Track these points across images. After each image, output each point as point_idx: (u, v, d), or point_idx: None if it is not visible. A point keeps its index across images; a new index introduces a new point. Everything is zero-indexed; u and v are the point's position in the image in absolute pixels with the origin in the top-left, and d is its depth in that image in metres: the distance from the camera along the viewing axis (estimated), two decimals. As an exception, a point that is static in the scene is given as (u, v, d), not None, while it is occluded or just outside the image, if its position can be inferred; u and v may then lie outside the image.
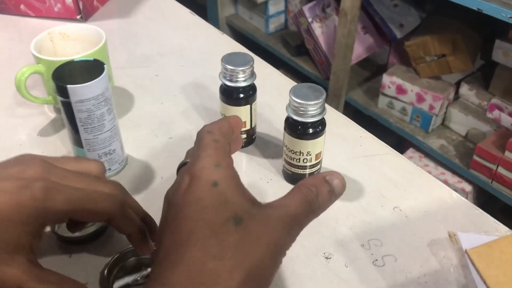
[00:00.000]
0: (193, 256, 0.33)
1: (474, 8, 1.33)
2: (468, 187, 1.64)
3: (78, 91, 0.57)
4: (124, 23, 1.01)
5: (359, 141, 0.72)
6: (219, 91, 0.66)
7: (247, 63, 0.63)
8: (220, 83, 0.65)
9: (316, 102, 0.56)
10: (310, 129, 0.59)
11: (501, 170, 1.49)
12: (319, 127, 0.59)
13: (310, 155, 0.60)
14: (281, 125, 0.62)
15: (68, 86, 0.56)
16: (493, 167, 1.51)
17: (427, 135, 1.71)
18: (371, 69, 1.98)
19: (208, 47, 0.93)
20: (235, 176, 0.38)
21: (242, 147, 0.70)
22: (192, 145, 0.67)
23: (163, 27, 0.99)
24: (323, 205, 0.39)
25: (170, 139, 0.71)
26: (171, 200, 0.38)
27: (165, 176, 0.65)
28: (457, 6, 1.39)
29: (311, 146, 0.60)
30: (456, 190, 1.65)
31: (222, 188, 0.36)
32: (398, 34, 1.78)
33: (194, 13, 1.03)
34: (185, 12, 1.04)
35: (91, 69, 0.60)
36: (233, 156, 0.44)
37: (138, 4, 1.06)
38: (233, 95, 0.65)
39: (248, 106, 0.66)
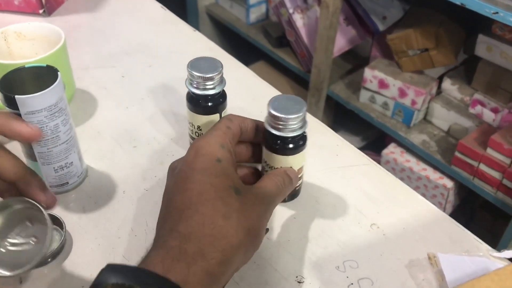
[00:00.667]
0: (205, 213, 0.41)
1: (457, 2, 1.30)
2: (449, 183, 1.62)
3: (28, 101, 0.52)
4: (90, 18, 0.95)
5: (335, 150, 0.68)
6: (186, 99, 0.61)
7: (216, 69, 0.58)
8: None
9: (297, 115, 0.52)
10: (291, 144, 0.54)
11: (482, 167, 1.47)
12: (300, 141, 0.55)
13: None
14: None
15: (17, 96, 0.51)
16: (475, 163, 1.49)
17: (409, 130, 1.69)
18: (353, 62, 1.94)
19: (179, 45, 0.88)
20: (233, 160, 0.48)
21: None
22: (157, 154, 0.61)
23: (131, 23, 0.94)
24: (287, 190, 0.52)
25: (134, 148, 0.67)
26: (178, 167, 0.46)
27: (127, 190, 0.61)
28: None
29: (292, 162, 0.55)
30: (437, 187, 1.64)
31: (224, 164, 0.45)
32: (381, 27, 1.74)
33: (165, 8, 0.97)
34: (156, 6, 0.98)
35: (44, 76, 0.55)
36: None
37: (106, -3, 1.01)
38: (201, 104, 0.60)
39: (218, 114, 0.61)
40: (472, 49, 1.55)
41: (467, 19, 1.61)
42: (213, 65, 0.58)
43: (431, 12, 1.63)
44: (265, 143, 0.56)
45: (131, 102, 0.74)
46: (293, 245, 0.55)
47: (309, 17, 1.82)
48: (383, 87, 1.70)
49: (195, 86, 0.59)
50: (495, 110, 1.55)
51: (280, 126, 0.52)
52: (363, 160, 0.66)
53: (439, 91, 1.69)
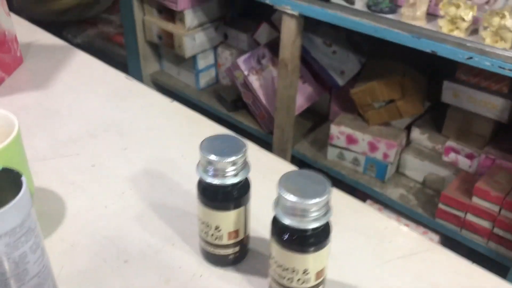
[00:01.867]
0: None
1: (428, 50, 1.25)
2: (435, 237, 1.52)
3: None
4: (40, 97, 0.79)
5: (385, 235, 0.55)
6: (197, 190, 0.47)
7: (238, 150, 0.45)
8: (193, 176, 0.46)
9: (320, 200, 0.39)
10: (311, 239, 0.41)
11: (470, 217, 1.39)
12: (323, 234, 0.41)
13: (307, 274, 0.43)
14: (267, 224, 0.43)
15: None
16: (461, 214, 1.41)
17: (384, 185, 1.60)
18: (314, 119, 1.87)
19: (155, 120, 0.74)
20: None
21: (230, 264, 0.50)
22: (159, 269, 0.45)
23: (92, 99, 0.79)
24: None
25: (125, 263, 0.51)
26: None
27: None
28: (397, 47, 1.31)
29: (311, 262, 0.42)
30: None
31: None
32: (340, 82, 1.69)
33: (130, 77, 0.83)
34: (119, 77, 0.84)
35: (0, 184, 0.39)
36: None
37: (55, 70, 0.85)
38: (219, 196, 0.46)
39: (242, 208, 0.47)
40: (436, 96, 1.51)
41: (428, 66, 1.58)
42: (234, 145, 0.45)
43: (390, 63, 1.59)
44: (274, 235, 0.42)
45: (110, 198, 0.59)
46: None
47: (265, 77, 1.74)
48: (351, 143, 1.61)
49: (211, 174, 0.44)
50: (470, 156, 1.49)
51: (298, 216, 0.39)
52: (426, 245, 0.54)
53: (408, 141, 1.63)
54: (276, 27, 1.79)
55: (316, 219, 0.40)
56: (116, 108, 0.76)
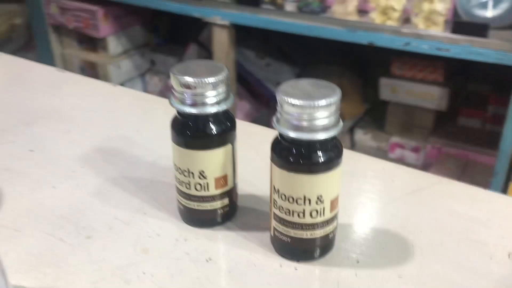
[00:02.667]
0: None
1: (365, 42, 1.25)
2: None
3: None
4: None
5: (385, 176, 0.49)
6: (171, 128, 0.39)
7: (218, 72, 0.37)
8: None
9: (330, 101, 0.33)
10: (321, 154, 0.34)
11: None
12: (333, 150, 0.35)
13: (322, 201, 0.36)
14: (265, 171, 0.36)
15: None
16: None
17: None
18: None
19: (101, 104, 0.65)
20: None
21: (219, 222, 0.42)
22: (133, 240, 0.36)
23: (22, 91, 0.68)
24: None
25: (88, 239, 0.41)
26: None
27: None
28: (330, 51, 1.31)
29: (323, 185, 0.35)
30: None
31: None
32: (278, 92, 1.65)
33: (63, 70, 0.74)
34: (49, 70, 0.74)
35: None
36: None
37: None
38: (201, 130, 0.38)
39: (229, 147, 0.39)
40: (374, 96, 1.51)
41: (362, 68, 1.59)
42: (212, 67, 0.38)
43: (326, 68, 1.58)
44: (278, 160, 0.35)
45: (57, 178, 0.49)
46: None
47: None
48: (297, 152, 1.57)
49: (189, 102, 0.37)
50: (416, 150, 1.49)
51: (304, 123, 0.33)
52: (431, 179, 0.48)
53: (352, 144, 1.61)
54: (205, 46, 1.75)
55: (326, 129, 0.34)
56: (53, 97, 0.66)
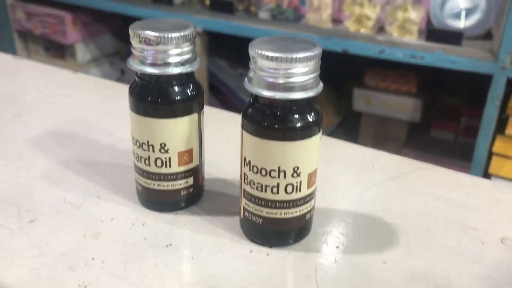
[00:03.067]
0: None
1: (339, 50, 1.23)
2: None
3: None
4: None
5: (365, 162, 0.45)
6: (129, 95, 0.34)
7: (184, 28, 0.33)
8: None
9: (308, 54, 0.29)
10: (298, 118, 0.30)
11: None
12: (312, 115, 0.31)
13: (298, 174, 0.32)
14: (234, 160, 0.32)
15: None
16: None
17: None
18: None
19: (56, 89, 0.60)
20: None
21: (182, 205, 0.37)
22: (83, 222, 0.34)
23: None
24: None
25: (31, 222, 0.36)
26: None
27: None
28: None
29: (300, 155, 0.31)
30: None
31: None
32: (251, 103, 1.62)
33: (20, 57, 0.68)
34: (4, 57, 0.69)
35: None
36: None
37: None
38: (162, 95, 0.34)
39: (195, 116, 0.35)
40: (346, 106, 1.50)
41: (335, 79, 1.58)
42: (178, 24, 0.34)
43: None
44: (246, 124, 0.31)
45: (4, 160, 0.43)
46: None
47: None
48: (270, 164, 1.53)
49: (150, 61, 0.33)
50: (389, 162, 1.47)
51: (280, 81, 0.29)
52: (414, 164, 0.45)
53: (326, 157, 1.59)
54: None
55: (304, 88, 0.30)
56: (6, 82, 0.61)
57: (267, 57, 0.29)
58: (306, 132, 0.31)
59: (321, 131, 0.32)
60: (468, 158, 1.22)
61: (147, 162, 0.35)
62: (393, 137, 1.47)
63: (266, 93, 0.30)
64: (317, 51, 0.30)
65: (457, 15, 1.21)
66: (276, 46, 0.30)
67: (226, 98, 1.66)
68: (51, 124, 0.50)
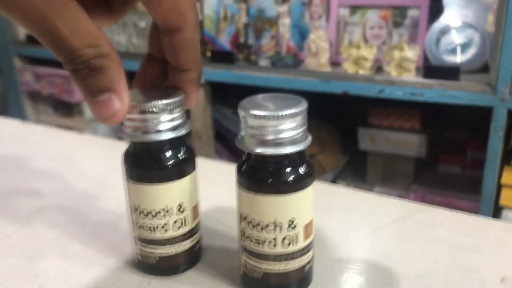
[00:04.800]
0: None
1: (339, 92, 1.25)
2: None
3: None
4: None
5: (365, 207, 0.46)
6: (123, 162, 0.36)
7: (174, 95, 0.35)
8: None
9: (294, 111, 0.30)
10: (290, 171, 0.32)
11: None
12: (304, 167, 0.32)
13: (294, 227, 0.33)
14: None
15: None
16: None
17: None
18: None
19: (64, 152, 0.62)
20: None
21: (183, 270, 0.38)
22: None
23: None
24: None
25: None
26: None
27: None
28: (308, 104, 1.31)
29: (294, 207, 0.32)
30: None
31: None
32: (257, 148, 1.64)
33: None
34: (13, 124, 0.71)
35: None
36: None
37: None
38: (155, 161, 0.35)
39: (187, 178, 0.36)
40: (353, 147, 1.51)
41: (340, 119, 1.60)
42: (168, 91, 0.35)
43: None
44: (240, 180, 0.33)
45: (14, 228, 0.45)
46: None
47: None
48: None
49: (143, 129, 0.34)
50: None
51: (270, 137, 0.31)
52: (413, 207, 0.45)
53: (335, 197, 1.58)
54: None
55: (293, 142, 0.31)
56: (13, 146, 0.63)
57: (255, 116, 0.31)
58: (298, 184, 0.32)
59: (313, 183, 0.33)
60: (477, 191, 1.22)
61: (165, 228, 0.36)
62: (401, 174, 1.47)
63: (257, 150, 0.31)
64: (303, 107, 0.32)
65: (453, 51, 1.24)
66: (264, 105, 0.32)
67: (232, 146, 1.68)
68: (57, 190, 0.52)
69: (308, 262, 0.35)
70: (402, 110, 1.41)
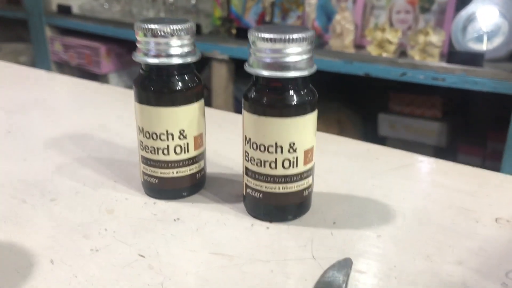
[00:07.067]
0: None
1: (361, 73, 1.25)
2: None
3: None
4: None
5: (369, 155, 0.47)
6: (134, 86, 0.38)
7: (184, 22, 0.37)
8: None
9: (301, 35, 0.32)
10: (293, 95, 0.33)
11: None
12: (307, 94, 0.34)
13: (294, 150, 0.34)
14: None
15: None
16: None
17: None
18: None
19: (85, 98, 0.64)
20: None
21: (186, 195, 0.40)
22: (99, 202, 0.35)
23: (3, 90, 0.68)
24: None
25: (52, 201, 0.39)
26: None
27: (57, 258, 0.32)
28: (329, 86, 1.31)
29: (295, 131, 0.34)
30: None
31: None
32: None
33: (51, 71, 0.74)
34: (38, 73, 0.74)
35: None
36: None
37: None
38: (166, 84, 0.37)
39: (202, 101, 0.38)
40: (372, 132, 1.50)
41: (360, 104, 1.59)
42: (178, 20, 0.37)
43: (323, 103, 1.58)
44: (246, 103, 0.34)
45: (31, 153, 0.47)
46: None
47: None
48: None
49: (153, 53, 0.36)
50: (415, 187, 1.46)
51: (276, 60, 0.32)
52: (417, 157, 0.46)
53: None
54: (205, 85, 1.77)
55: (299, 67, 0.33)
56: (36, 90, 0.66)
57: (264, 39, 0.32)
58: (300, 109, 0.33)
59: (315, 110, 0.35)
60: (495, 181, 1.21)
61: (165, 152, 0.37)
62: (418, 162, 1.46)
63: (264, 73, 0.33)
64: (309, 33, 0.33)
65: (479, 39, 1.23)
66: (273, 30, 0.33)
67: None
68: (74, 127, 0.54)
69: (307, 188, 0.36)
70: (424, 98, 1.40)
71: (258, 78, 0.34)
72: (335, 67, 1.28)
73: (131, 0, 1.67)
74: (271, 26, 0.35)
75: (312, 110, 0.34)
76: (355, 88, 1.52)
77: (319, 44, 1.37)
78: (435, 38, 1.20)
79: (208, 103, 1.58)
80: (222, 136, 0.51)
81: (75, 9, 1.77)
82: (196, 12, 1.61)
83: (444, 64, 1.16)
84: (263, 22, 1.47)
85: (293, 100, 0.33)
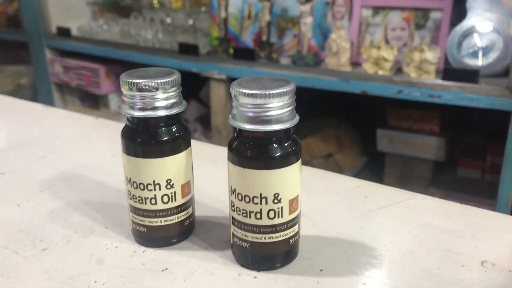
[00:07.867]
0: None
1: (357, 92, 1.26)
2: None
3: None
4: None
5: (358, 193, 0.47)
6: (121, 138, 0.38)
7: (169, 74, 0.37)
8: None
9: (282, 90, 0.33)
10: (276, 148, 0.34)
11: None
12: (290, 145, 0.34)
13: (279, 201, 0.34)
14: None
15: None
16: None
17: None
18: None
19: (79, 132, 0.65)
20: None
21: (175, 242, 0.40)
22: (89, 251, 0.35)
23: (1, 123, 0.69)
24: None
25: (43, 251, 0.39)
26: None
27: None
28: (327, 104, 1.32)
29: (279, 182, 0.34)
30: None
31: None
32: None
33: (47, 105, 0.75)
34: (35, 107, 0.75)
35: None
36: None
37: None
38: (153, 136, 0.37)
39: (183, 154, 0.38)
40: (371, 148, 1.51)
41: (359, 120, 1.60)
42: (164, 71, 0.38)
43: (323, 120, 1.59)
44: (230, 155, 0.35)
45: (25, 198, 0.48)
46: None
47: (198, 150, 1.68)
48: (296, 205, 1.54)
49: (138, 105, 0.36)
50: (416, 202, 1.46)
51: (258, 115, 0.33)
52: (406, 195, 0.47)
53: (352, 198, 1.59)
54: (204, 103, 1.78)
55: (280, 120, 0.33)
56: (33, 126, 0.66)
57: (246, 94, 0.33)
58: (284, 160, 0.34)
59: (299, 160, 0.35)
60: (495, 196, 1.21)
61: (153, 201, 0.38)
62: (418, 177, 1.46)
63: (247, 127, 0.33)
64: (290, 87, 0.33)
65: (474, 54, 1.23)
66: (254, 84, 0.34)
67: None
68: (70, 165, 0.55)
69: (293, 236, 0.36)
70: (421, 113, 1.40)
71: (241, 130, 0.35)
72: (332, 85, 1.29)
73: (130, 21, 1.68)
74: (253, 79, 0.35)
75: (296, 160, 0.35)
76: (353, 104, 1.52)
77: (315, 62, 1.38)
78: (431, 55, 1.21)
79: (207, 122, 1.59)
80: (215, 175, 0.52)
81: (74, 31, 1.79)
82: (194, 31, 1.62)
83: (439, 81, 1.17)
84: (260, 42, 1.48)
85: (277, 152, 0.34)
